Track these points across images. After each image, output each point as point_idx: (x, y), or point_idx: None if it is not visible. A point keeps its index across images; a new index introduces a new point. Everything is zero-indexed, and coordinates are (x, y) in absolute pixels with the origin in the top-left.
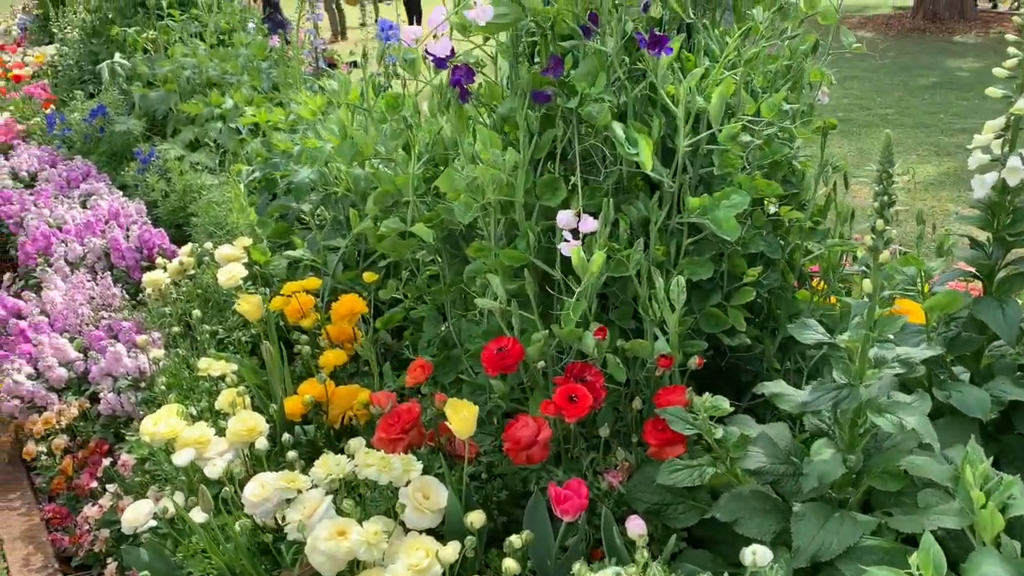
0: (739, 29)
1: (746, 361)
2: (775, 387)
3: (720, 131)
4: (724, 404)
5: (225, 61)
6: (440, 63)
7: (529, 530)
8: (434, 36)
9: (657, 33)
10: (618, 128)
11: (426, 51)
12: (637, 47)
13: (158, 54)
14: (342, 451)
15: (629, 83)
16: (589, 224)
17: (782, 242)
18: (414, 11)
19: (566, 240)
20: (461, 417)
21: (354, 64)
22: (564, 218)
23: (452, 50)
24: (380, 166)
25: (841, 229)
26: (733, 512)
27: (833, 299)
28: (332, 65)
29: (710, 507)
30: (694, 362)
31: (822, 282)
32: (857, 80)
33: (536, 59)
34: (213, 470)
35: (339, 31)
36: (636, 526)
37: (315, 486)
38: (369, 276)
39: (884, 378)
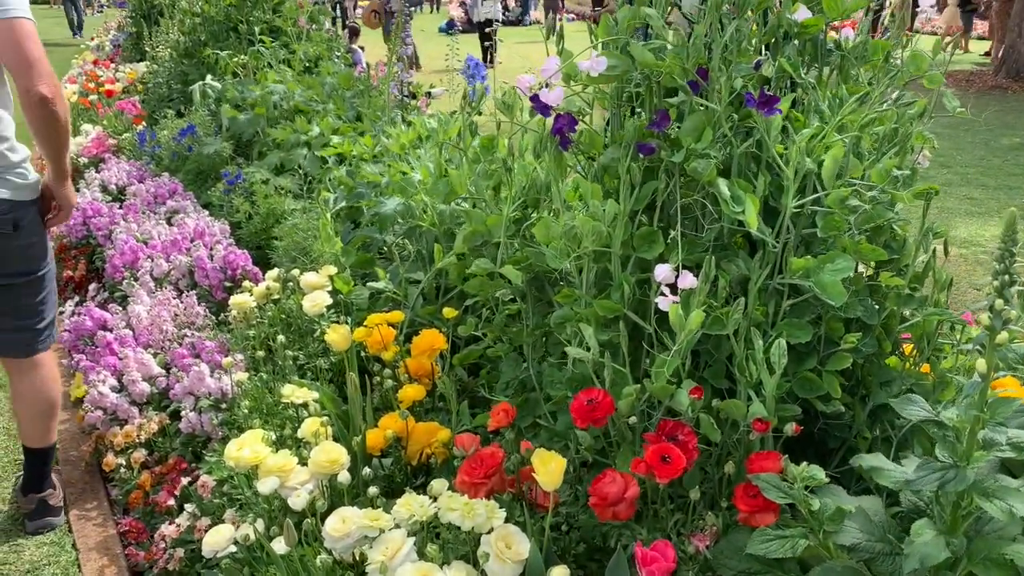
0: (848, 91)
1: (833, 427)
2: (873, 460)
3: (828, 194)
4: (820, 474)
5: (311, 88)
6: (544, 110)
7: None
8: (548, 85)
9: (767, 93)
10: (723, 185)
11: (532, 98)
12: (744, 104)
13: (247, 78)
14: (419, 488)
15: (735, 140)
16: (688, 280)
17: (877, 307)
18: (489, 47)
19: (663, 294)
20: (548, 469)
21: (428, 95)
22: (662, 272)
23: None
24: (468, 205)
25: (938, 296)
26: None
27: (925, 367)
28: (413, 96)
29: None
30: (790, 428)
31: (913, 350)
32: (937, 137)
33: (638, 111)
34: (297, 501)
35: (414, 61)
36: None
37: (397, 526)
38: (449, 312)
39: (989, 460)
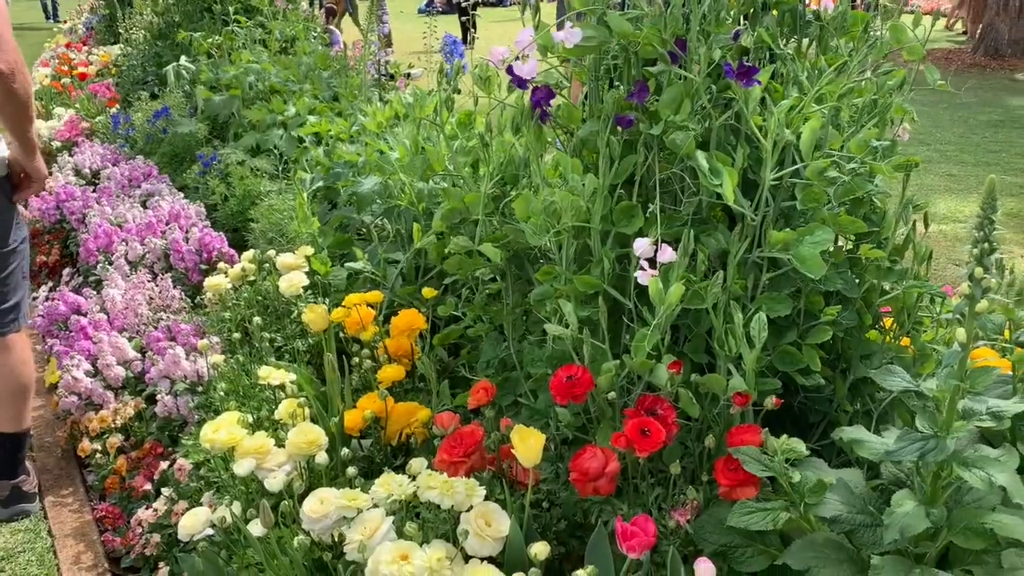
0: (827, 62)
1: (814, 401)
2: (854, 432)
3: (807, 165)
4: (800, 447)
5: (287, 69)
6: (521, 83)
7: (592, 565)
8: (522, 57)
9: (746, 63)
10: (701, 158)
11: (508, 70)
12: (722, 75)
13: (222, 59)
14: (399, 468)
15: (714, 112)
16: (668, 254)
17: (857, 280)
18: (466, 23)
19: (642, 268)
20: (527, 445)
21: (407, 76)
22: (641, 246)
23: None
24: (446, 183)
25: (918, 269)
26: (806, 560)
27: (905, 341)
28: (391, 77)
29: (780, 552)
30: (771, 402)
31: (893, 323)
32: (916, 115)
33: (616, 84)
34: (273, 483)
35: (387, 41)
36: (705, 569)
37: (375, 505)
38: (428, 292)
39: (969, 430)
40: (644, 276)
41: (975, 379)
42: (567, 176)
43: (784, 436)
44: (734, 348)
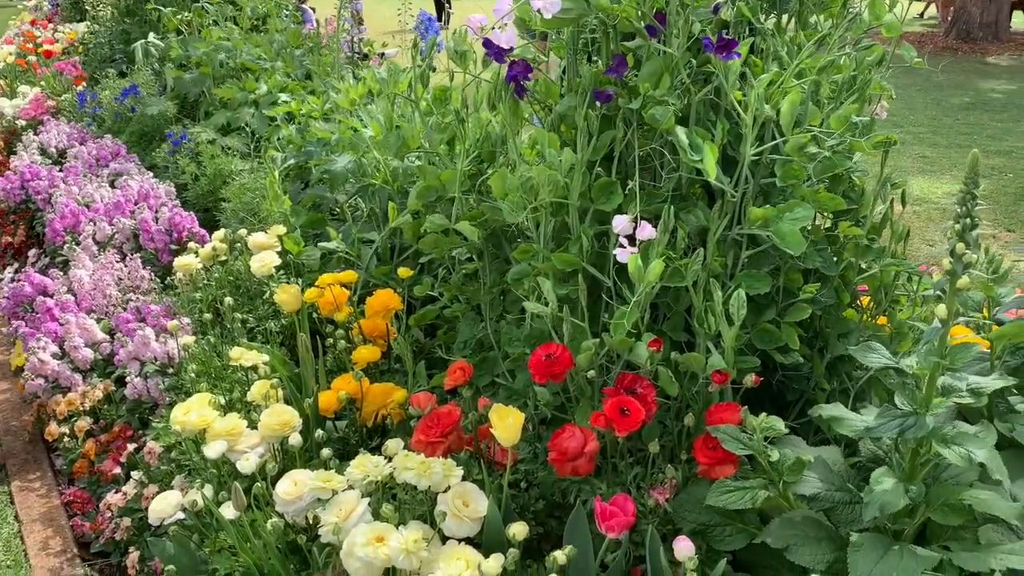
0: (806, 37)
1: (792, 379)
2: (833, 410)
3: (787, 141)
4: (779, 425)
5: (259, 47)
6: (498, 57)
7: (571, 545)
8: (500, 26)
9: (726, 36)
10: (681, 133)
11: (485, 42)
12: (702, 49)
13: (192, 36)
14: (374, 450)
15: (693, 87)
16: (647, 231)
17: (835, 258)
18: (444, 4)
19: (622, 246)
20: (506, 424)
21: (381, 55)
22: (620, 223)
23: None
24: (420, 160)
25: (895, 248)
26: (785, 538)
27: (881, 319)
28: (365, 56)
29: (759, 531)
30: (750, 380)
31: (870, 301)
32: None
33: (594, 59)
34: (246, 465)
35: (359, 19)
36: (685, 547)
37: (351, 487)
38: (404, 272)
39: (946, 407)
40: (624, 253)
41: (955, 356)
42: (544, 151)
43: (763, 414)
44: (713, 326)
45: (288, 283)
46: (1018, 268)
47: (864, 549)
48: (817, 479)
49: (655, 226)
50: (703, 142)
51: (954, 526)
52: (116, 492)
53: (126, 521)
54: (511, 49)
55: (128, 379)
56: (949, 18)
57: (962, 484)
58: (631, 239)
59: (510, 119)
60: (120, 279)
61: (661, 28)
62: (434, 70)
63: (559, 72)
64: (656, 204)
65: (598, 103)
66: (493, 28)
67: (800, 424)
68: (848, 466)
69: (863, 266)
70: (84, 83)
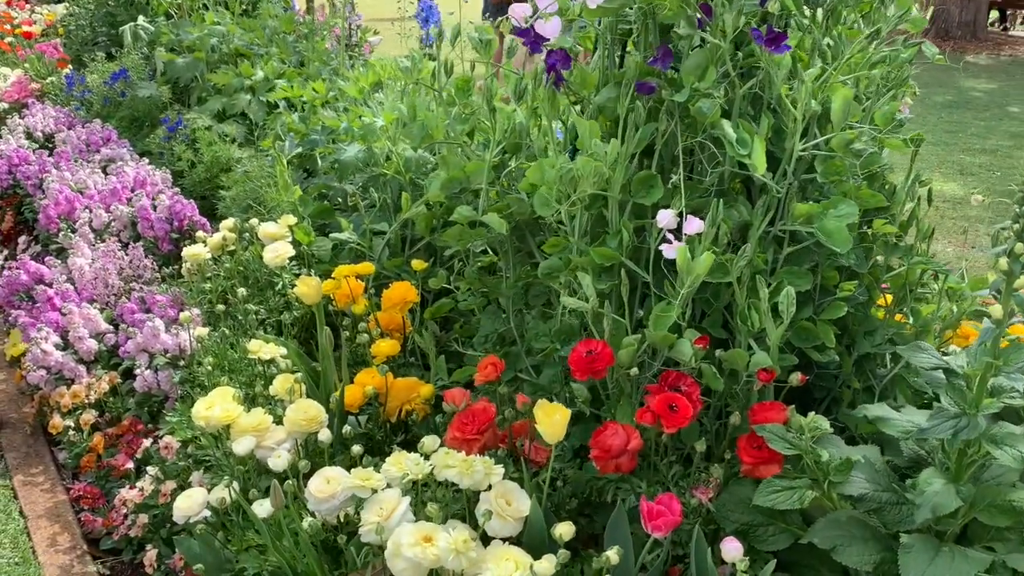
0: (843, 33)
1: (819, 377)
2: (877, 410)
3: (834, 136)
4: (824, 424)
5: (252, 31)
6: (535, 46)
7: (611, 544)
8: (545, 15)
9: (775, 29)
10: (728, 127)
11: (520, 32)
12: (746, 42)
13: (183, 20)
14: (401, 445)
15: (738, 80)
16: (694, 225)
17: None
18: None
19: (667, 240)
20: (552, 421)
21: (367, 42)
22: (665, 217)
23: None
24: (441, 151)
25: (920, 245)
26: (831, 539)
27: (900, 317)
28: (356, 44)
29: (802, 531)
30: (796, 378)
31: (892, 299)
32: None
33: (628, 50)
34: (278, 462)
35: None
36: (733, 548)
37: (389, 485)
38: (418, 264)
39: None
40: (671, 248)
41: (1008, 356)
42: (586, 142)
43: (811, 414)
44: (757, 323)
45: (299, 274)
46: None
47: (915, 551)
48: (864, 479)
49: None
50: (750, 136)
51: (999, 527)
52: (131, 488)
53: (143, 517)
54: (547, 38)
55: (137, 371)
56: (928, 16)
57: (1005, 484)
58: (675, 233)
59: (548, 109)
60: (121, 268)
61: (707, 19)
62: (433, 60)
63: (594, 61)
64: (697, 199)
65: (639, 95)
66: (536, 17)
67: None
68: (887, 465)
69: (891, 263)
70: (68, 66)
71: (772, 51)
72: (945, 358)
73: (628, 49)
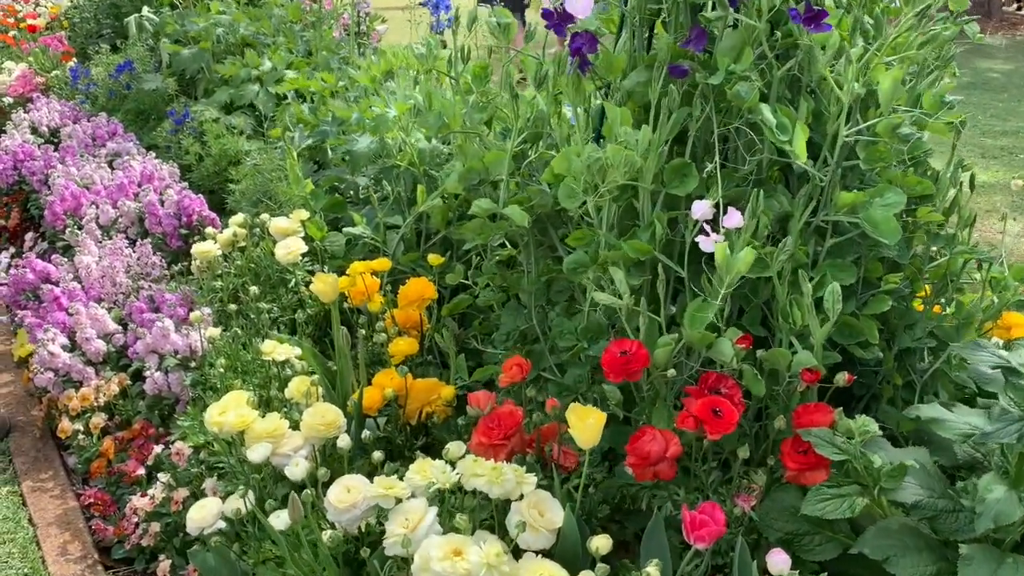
0: (883, 11)
1: (859, 374)
2: (931, 411)
3: (880, 121)
4: (873, 426)
5: (258, 21)
6: (558, 29)
7: (648, 555)
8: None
9: (815, 7)
10: (767, 111)
11: (544, 13)
12: (783, 22)
13: (188, 10)
14: (422, 449)
15: (775, 62)
16: (734, 219)
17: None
18: None
19: (705, 233)
20: (586, 425)
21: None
22: (700, 208)
23: (571, 15)
24: (458, 141)
25: (961, 233)
26: (883, 549)
27: (937, 308)
28: (365, 33)
29: (851, 540)
30: (842, 378)
31: (932, 290)
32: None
33: (657, 32)
34: (295, 471)
35: None
36: (780, 560)
37: (414, 495)
38: (435, 259)
39: None
40: (707, 242)
41: None
42: (615, 129)
43: (862, 416)
44: (799, 320)
45: (312, 271)
46: None
47: (976, 562)
48: (917, 485)
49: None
50: (791, 121)
51: None
52: (142, 495)
53: (155, 526)
54: (571, 20)
55: (147, 374)
56: None
57: None
58: (711, 224)
59: (573, 96)
60: (129, 266)
61: None
62: (444, 46)
63: (621, 44)
64: (733, 188)
65: (672, 78)
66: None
67: None
68: (938, 468)
69: (932, 253)
70: (73, 59)
71: (811, 30)
72: (1006, 355)
73: (656, 31)
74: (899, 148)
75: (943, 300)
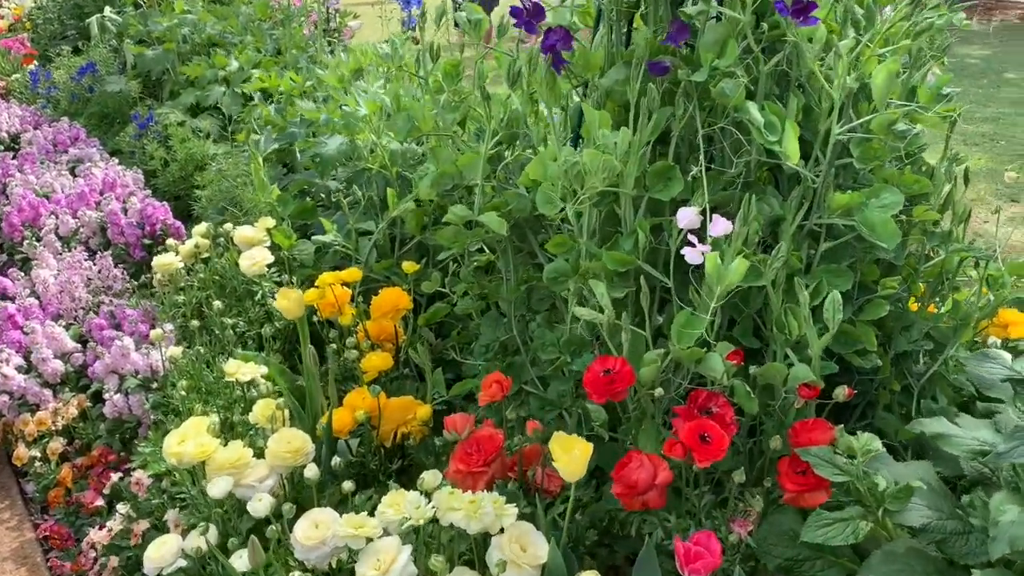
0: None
1: (855, 381)
2: (936, 425)
3: (876, 117)
4: (876, 443)
5: (225, 19)
6: (529, 27)
7: None
8: None
9: None
10: (754, 109)
11: (513, 10)
12: (768, 13)
13: (152, 9)
14: (398, 474)
15: (761, 56)
16: (722, 225)
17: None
18: None
19: (689, 243)
20: (571, 457)
21: (347, 26)
22: (686, 216)
23: (542, 10)
24: (430, 143)
25: (955, 230)
26: (890, 575)
27: (931, 308)
28: (335, 30)
29: (855, 565)
30: (842, 392)
31: (926, 290)
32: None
33: (636, 26)
34: (259, 507)
35: None
36: None
37: (386, 532)
38: (409, 266)
39: None
40: (694, 254)
41: None
42: (594, 132)
43: (866, 434)
44: (795, 330)
45: (280, 282)
46: None
47: None
48: (924, 506)
49: (722, 217)
50: (780, 120)
51: None
52: (100, 528)
53: (113, 560)
54: (542, 16)
55: (106, 395)
56: None
57: None
58: (697, 234)
59: (548, 97)
60: (89, 279)
61: None
62: (416, 42)
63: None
64: (719, 192)
65: (652, 75)
66: None
67: (863, 429)
68: (942, 484)
69: (928, 253)
70: (35, 62)
71: (800, 23)
72: (1016, 367)
73: (635, 25)
74: (895, 145)
75: (937, 299)
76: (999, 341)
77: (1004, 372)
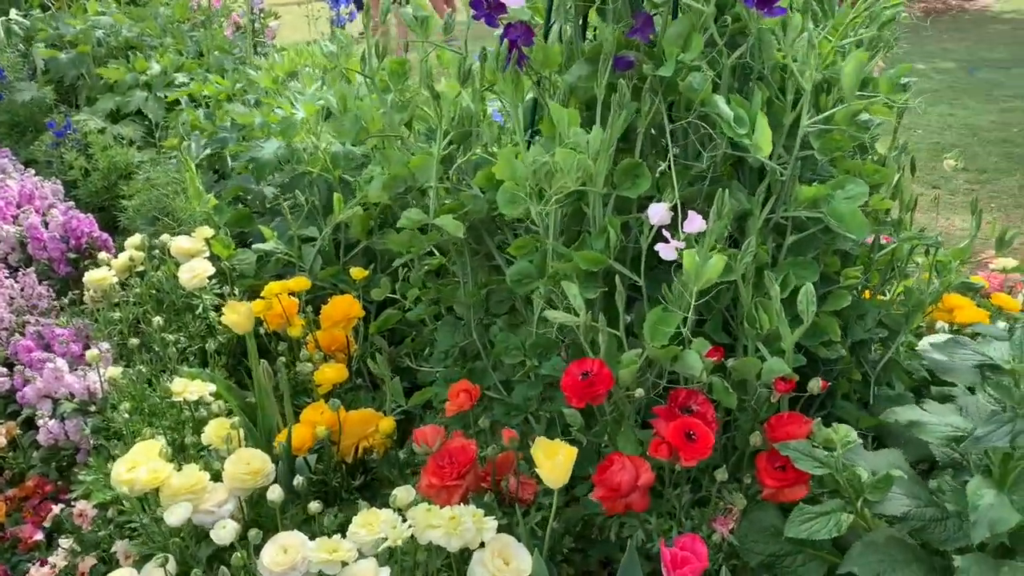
0: None
1: (813, 370)
2: (909, 413)
3: (844, 107)
4: (853, 435)
5: (143, 21)
6: (490, 20)
7: None
8: None
9: None
10: (722, 104)
11: (473, 3)
12: (733, 4)
13: (61, 11)
14: (361, 490)
15: (725, 49)
16: (696, 222)
17: None
18: None
19: (663, 239)
20: (555, 463)
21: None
22: (658, 213)
23: (502, 4)
24: (375, 144)
25: (904, 218)
26: (872, 566)
27: (880, 296)
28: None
29: (836, 557)
30: (816, 385)
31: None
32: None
33: (590, 20)
34: (223, 534)
35: None
36: None
37: (361, 553)
38: (358, 272)
39: None
40: (668, 249)
41: None
42: (563, 131)
43: (843, 427)
44: (767, 324)
45: (222, 293)
46: None
47: (973, 573)
48: (903, 494)
49: (690, 213)
50: (749, 113)
51: None
52: (41, 564)
53: None
54: (503, 10)
55: (40, 422)
56: None
57: None
58: (668, 229)
59: (512, 94)
60: (12, 298)
61: None
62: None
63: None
64: (687, 188)
65: (616, 71)
66: None
67: (823, 418)
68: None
69: (881, 242)
70: None
71: (764, 14)
72: (989, 353)
73: (590, 20)
74: (856, 135)
75: (887, 288)
76: (946, 325)
77: (977, 358)
